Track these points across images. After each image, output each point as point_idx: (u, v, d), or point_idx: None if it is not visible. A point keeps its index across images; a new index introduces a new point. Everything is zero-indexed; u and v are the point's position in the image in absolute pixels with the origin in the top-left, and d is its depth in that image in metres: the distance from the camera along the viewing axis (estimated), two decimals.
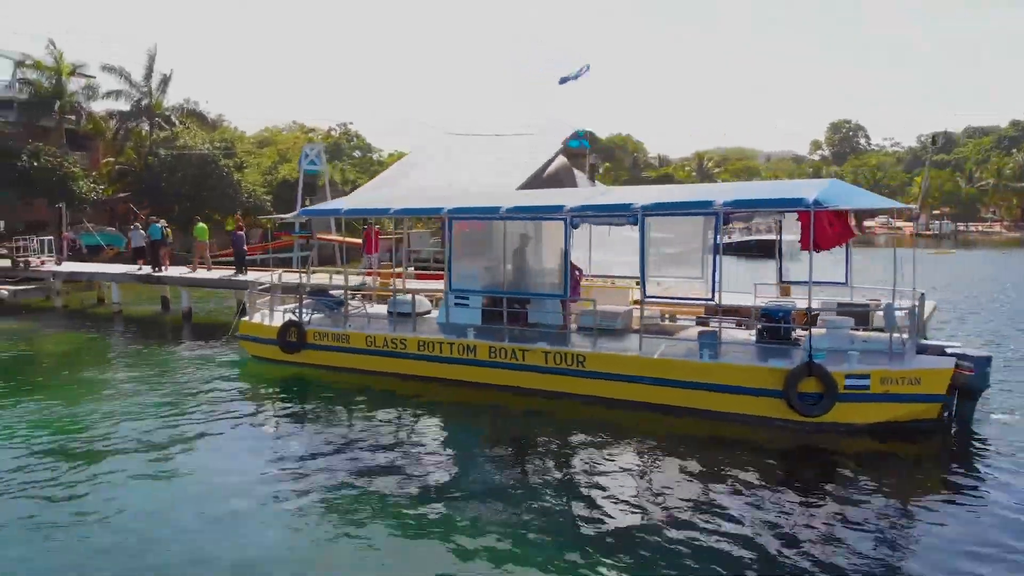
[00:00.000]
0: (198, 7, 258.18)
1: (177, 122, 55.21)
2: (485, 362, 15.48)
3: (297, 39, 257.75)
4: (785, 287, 16.63)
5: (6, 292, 29.24)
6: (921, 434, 12.26)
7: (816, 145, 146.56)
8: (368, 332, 17.15)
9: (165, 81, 55.50)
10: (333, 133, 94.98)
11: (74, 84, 50.70)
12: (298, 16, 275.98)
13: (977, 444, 12.33)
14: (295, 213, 20.17)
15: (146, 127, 55.23)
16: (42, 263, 31.64)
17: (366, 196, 28.30)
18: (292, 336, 17.90)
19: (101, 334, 24.51)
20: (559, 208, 14.93)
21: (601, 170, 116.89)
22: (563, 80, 33.66)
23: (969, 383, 12.27)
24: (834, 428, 12.21)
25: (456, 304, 16.90)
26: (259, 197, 53.30)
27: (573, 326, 15.85)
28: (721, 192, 14.30)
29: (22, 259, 31.59)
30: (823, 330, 13.56)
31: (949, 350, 12.78)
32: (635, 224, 14.15)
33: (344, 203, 21.70)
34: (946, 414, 12.62)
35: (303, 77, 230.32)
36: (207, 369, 18.84)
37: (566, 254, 15.14)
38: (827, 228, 12.61)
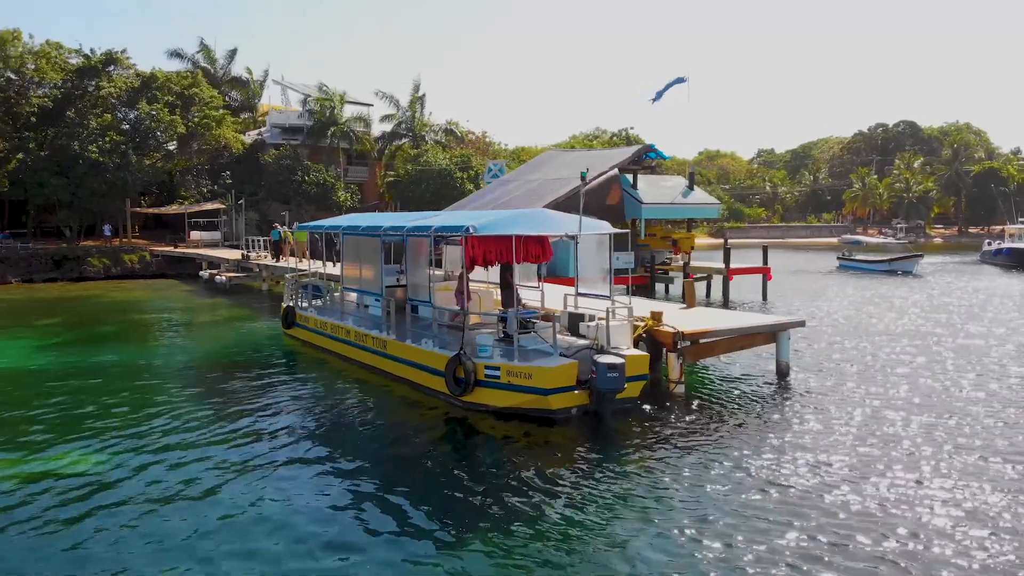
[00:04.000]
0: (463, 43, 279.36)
1: (431, 140, 64.75)
2: (353, 343, 18.93)
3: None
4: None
5: (225, 279, 39.36)
6: (551, 422, 13.50)
7: None
8: (317, 316, 21.92)
9: (422, 103, 65.47)
10: (615, 139, 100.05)
11: (349, 111, 62.61)
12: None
13: (591, 437, 13.11)
14: (296, 226, 25.57)
15: (411, 144, 65.61)
16: (259, 258, 41.45)
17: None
18: (289, 316, 23.62)
19: (251, 308, 32.48)
20: (378, 228, 18.30)
21: (915, 165, 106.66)
22: (658, 96, 35.20)
23: (595, 385, 13.39)
24: (476, 407, 14.20)
25: (376, 300, 21.04)
26: None
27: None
28: (438, 220, 16.69)
29: (245, 254, 41.91)
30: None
31: (594, 356, 14.02)
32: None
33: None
34: (573, 410, 13.73)
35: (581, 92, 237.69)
36: (263, 336, 25.22)
37: (381, 263, 18.30)
38: (487, 248, 14.78)
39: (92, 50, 51.32)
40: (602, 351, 14.39)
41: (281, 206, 56.18)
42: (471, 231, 14.61)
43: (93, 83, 50.37)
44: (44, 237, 51.67)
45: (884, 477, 10.94)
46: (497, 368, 14.08)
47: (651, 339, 16.13)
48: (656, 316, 16.37)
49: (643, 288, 32.18)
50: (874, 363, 18.95)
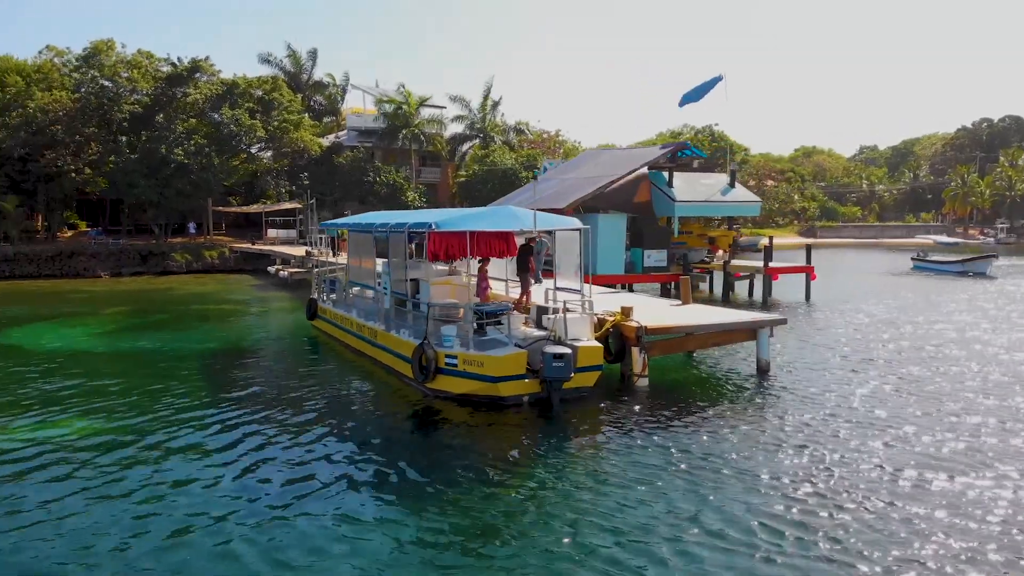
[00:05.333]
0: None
1: (499, 141, 65.86)
2: (352, 331, 20.20)
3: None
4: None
5: (286, 274, 41.59)
6: (502, 408, 14.28)
7: None
8: (332, 308, 23.18)
9: (495, 105, 66.62)
10: (699, 135, 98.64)
11: (424, 113, 64.31)
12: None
13: (538, 424, 13.71)
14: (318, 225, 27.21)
15: (480, 145, 66.93)
16: (320, 255, 43.45)
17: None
18: (312, 308, 25.09)
19: (300, 301, 33.85)
20: (371, 225, 19.61)
21: (1020, 161, 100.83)
22: (689, 99, 35.02)
23: (542, 373, 13.94)
24: (438, 393, 15.06)
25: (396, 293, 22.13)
26: None
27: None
28: (411, 217, 17.74)
29: (309, 251, 44.06)
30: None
31: (544, 347, 14.30)
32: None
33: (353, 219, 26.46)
34: (525, 398, 14.38)
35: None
36: (293, 328, 26.81)
37: (375, 257, 19.83)
38: (451, 243, 15.59)
39: (179, 59, 54.80)
40: (559, 342, 14.96)
41: (356, 206, 58.53)
42: (433, 227, 15.48)
43: (180, 90, 53.74)
44: (139, 234, 55.55)
45: (825, 474, 10.98)
46: (455, 357, 14.89)
47: (618, 333, 16.58)
48: (626, 311, 16.79)
49: (678, 287, 32.23)
50: (865, 365, 18.69)
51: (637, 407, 14.81)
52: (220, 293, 38.87)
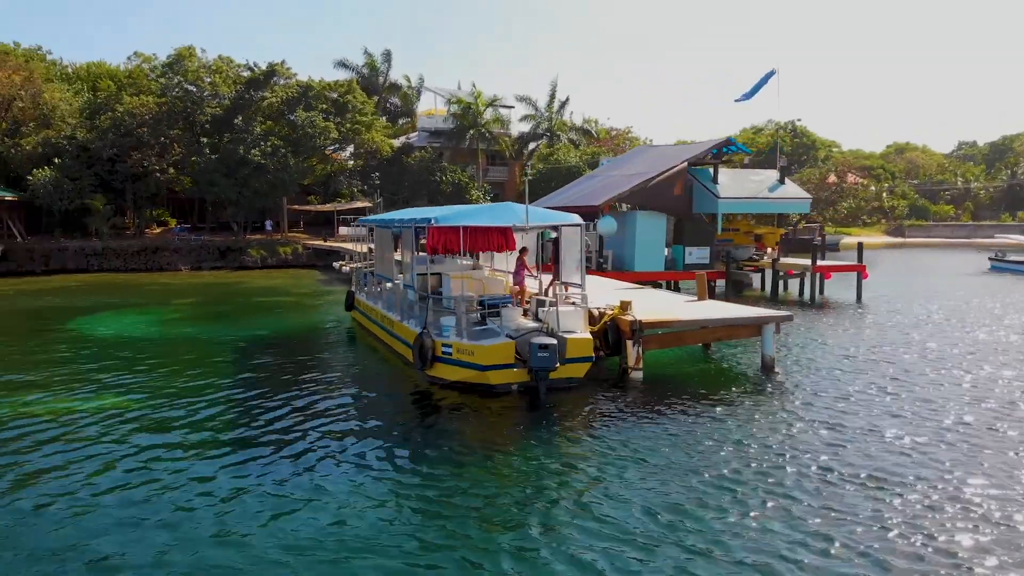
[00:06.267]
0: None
1: (565, 139, 66.26)
2: (377, 321, 21.22)
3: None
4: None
5: (348, 268, 43.25)
6: (493, 395, 14.95)
7: None
8: (365, 300, 24.30)
9: (562, 105, 67.06)
10: (780, 131, 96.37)
11: (491, 113, 65.28)
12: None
13: (521, 411, 14.27)
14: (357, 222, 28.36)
15: (546, 144, 67.48)
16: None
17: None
18: (349, 300, 26.34)
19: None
20: (391, 221, 20.53)
21: None
22: (747, 95, 34.71)
23: (529, 363, 14.45)
24: (436, 380, 15.87)
25: (406, 285, 23.13)
26: None
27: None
28: (420, 213, 18.48)
29: (371, 247, 45.75)
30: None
31: (531, 338, 15.10)
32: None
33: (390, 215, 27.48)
34: (514, 386, 15.00)
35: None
36: (336, 318, 28.16)
37: (393, 251, 20.71)
38: (449, 237, 16.26)
39: (255, 64, 57.31)
40: (551, 334, 15.50)
41: (425, 204, 60.01)
42: (433, 222, 16.28)
43: (259, 94, 56.27)
44: (222, 231, 58.50)
45: (793, 476, 10.99)
46: (450, 346, 15.65)
47: (615, 326, 17.00)
48: (624, 305, 17.19)
49: (722, 284, 32.15)
50: (876, 367, 18.44)
51: (625, 399, 15.22)
52: (285, 287, 40.78)
